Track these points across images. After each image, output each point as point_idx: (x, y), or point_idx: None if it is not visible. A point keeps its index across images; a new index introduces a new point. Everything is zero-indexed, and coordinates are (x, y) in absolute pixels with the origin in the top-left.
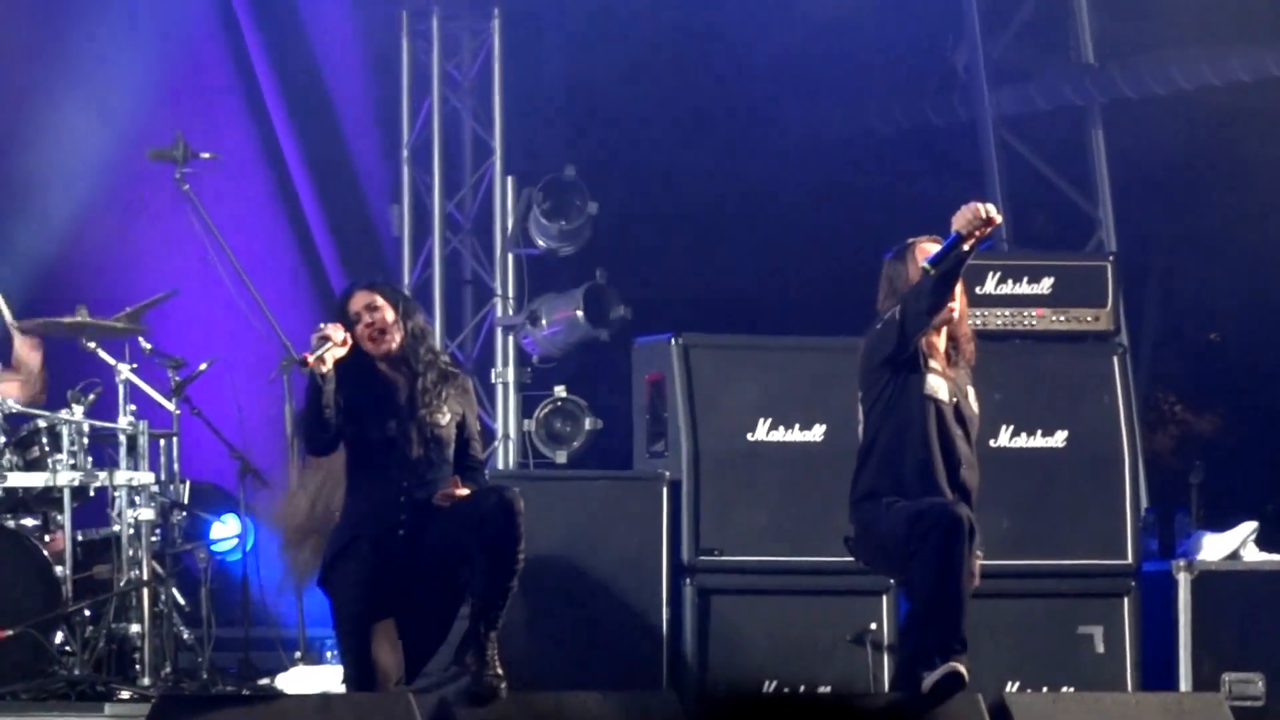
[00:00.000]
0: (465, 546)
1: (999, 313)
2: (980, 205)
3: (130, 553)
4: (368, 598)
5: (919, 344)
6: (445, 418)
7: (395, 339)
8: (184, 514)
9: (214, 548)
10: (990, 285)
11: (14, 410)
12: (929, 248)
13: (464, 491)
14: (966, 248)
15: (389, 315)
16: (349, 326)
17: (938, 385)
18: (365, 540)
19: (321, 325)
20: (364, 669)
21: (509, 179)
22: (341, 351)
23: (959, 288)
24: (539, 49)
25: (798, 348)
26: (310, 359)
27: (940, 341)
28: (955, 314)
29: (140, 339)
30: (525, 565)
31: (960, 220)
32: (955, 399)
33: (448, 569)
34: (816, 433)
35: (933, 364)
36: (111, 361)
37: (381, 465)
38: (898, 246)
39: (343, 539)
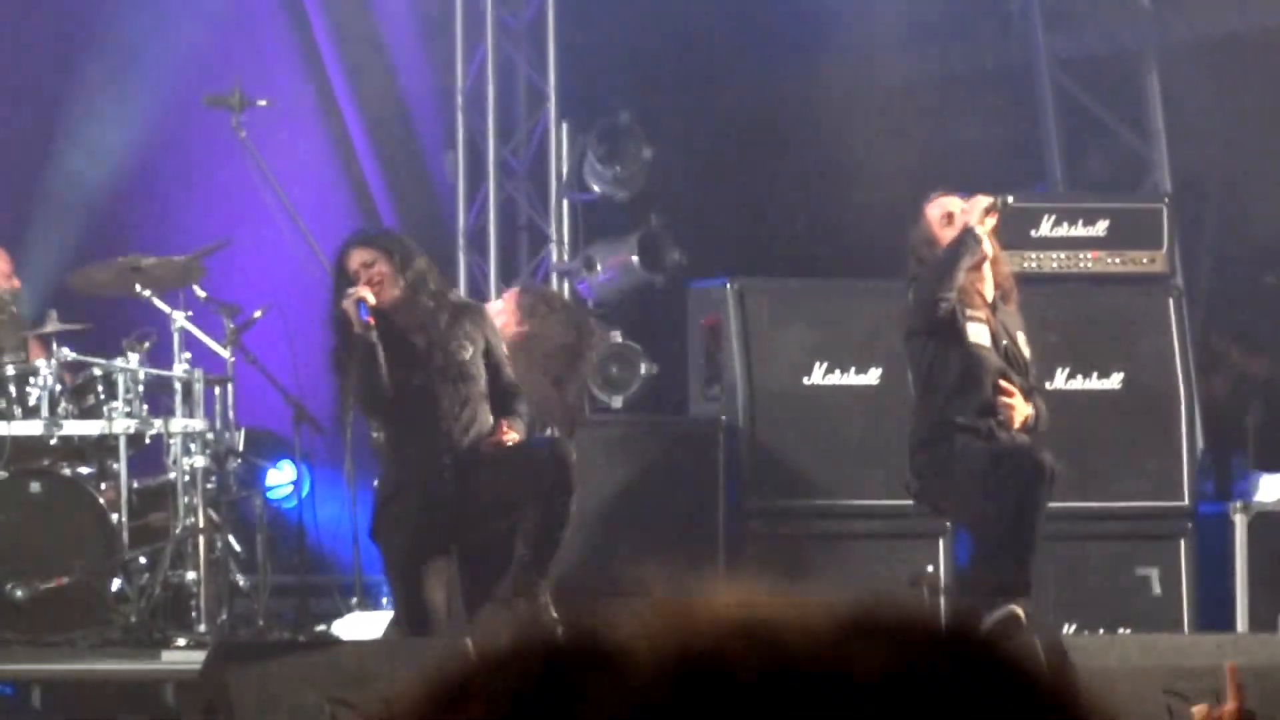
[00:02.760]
0: (517, 494)
1: (1054, 255)
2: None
3: (186, 500)
4: (417, 542)
5: (953, 299)
6: (469, 352)
7: (394, 290)
8: (239, 461)
9: (270, 494)
10: (1045, 228)
11: (70, 359)
12: (944, 201)
13: (514, 436)
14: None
15: (384, 267)
16: (350, 284)
17: (979, 333)
18: (411, 488)
19: (349, 291)
20: (415, 612)
21: (564, 125)
22: (374, 301)
23: (991, 227)
24: None
25: (852, 291)
26: (372, 321)
27: (982, 285)
28: (988, 257)
29: (195, 287)
30: (581, 510)
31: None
32: (1004, 341)
33: (499, 514)
34: (872, 376)
35: (971, 312)
36: (166, 309)
37: (416, 413)
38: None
39: (388, 489)
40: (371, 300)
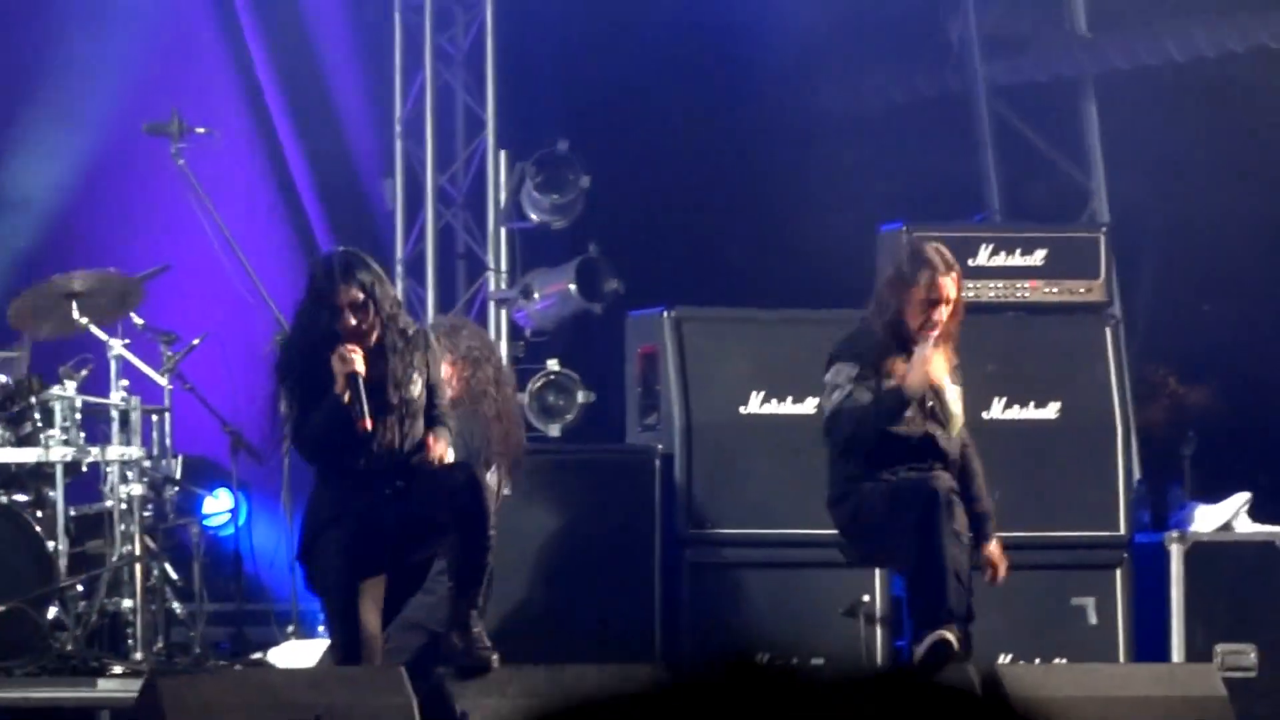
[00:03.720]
0: (439, 518)
1: (992, 284)
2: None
3: (123, 528)
4: (355, 568)
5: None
6: (417, 387)
7: (374, 336)
8: (176, 489)
9: (206, 522)
10: (983, 257)
11: (6, 384)
12: (938, 281)
13: (442, 446)
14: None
15: (371, 314)
16: (335, 315)
17: (922, 349)
18: (349, 515)
19: (344, 353)
20: (351, 634)
21: (502, 153)
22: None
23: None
24: (532, 23)
25: (790, 321)
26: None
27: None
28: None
29: (132, 314)
30: (517, 538)
31: (914, 374)
32: (929, 402)
33: (426, 538)
34: (809, 405)
35: (889, 381)
36: (104, 337)
37: (359, 445)
38: (907, 247)
39: (324, 514)
40: (361, 372)
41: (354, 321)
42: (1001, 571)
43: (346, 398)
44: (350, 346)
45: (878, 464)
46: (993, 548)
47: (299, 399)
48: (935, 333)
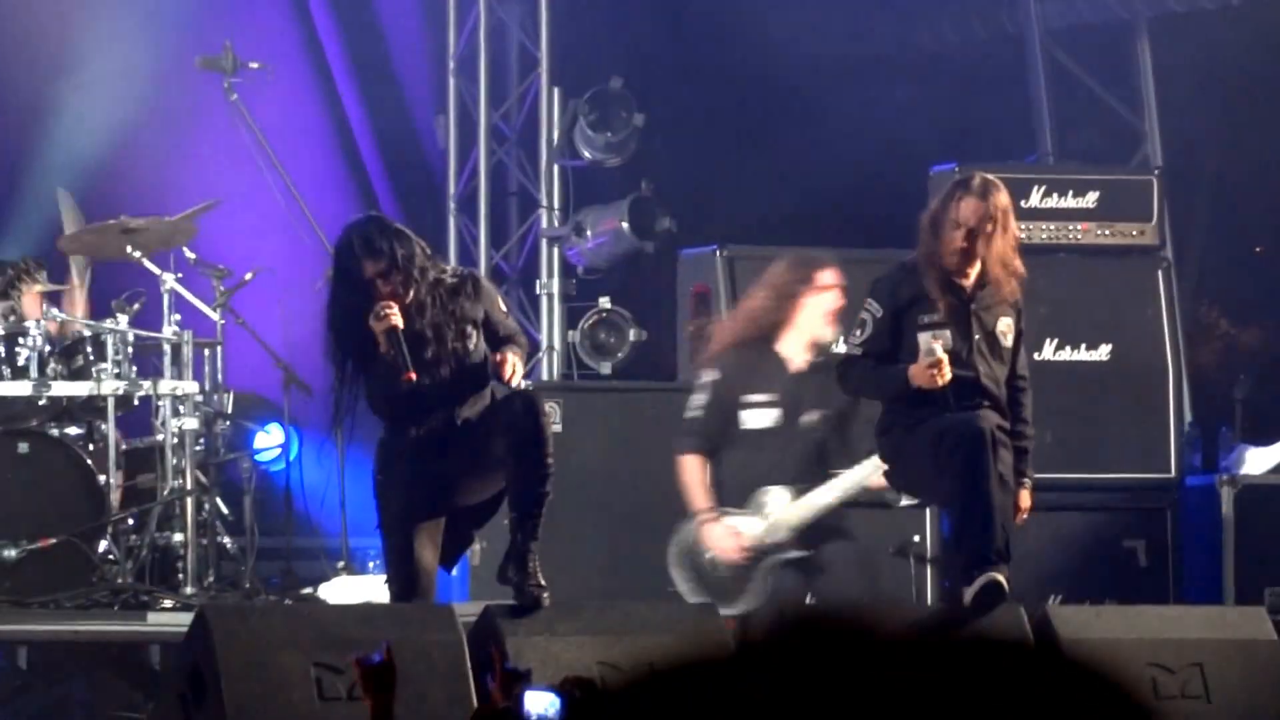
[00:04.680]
0: (498, 452)
1: (1044, 226)
2: (937, 374)
3: (174, 462)
4: (412, 505)
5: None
6: (473, 340)
7: (411, 299)
8: (228, 423)
9: (257, 457)
10: (1035, 199)
11: (59, 319)
12: (973, 204)
13: (515, 362)
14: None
15: (402, 277)
16: (365, 287)
17: (932, 346)
18: (407, 456)
19: (380, 309)
20: (407, 572)
21: (555, 90)
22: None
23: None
24: None
25: (842, 260)
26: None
27: (950, 284)
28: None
29: (184, 249)
30: (569, 475)
31: (919, 378)
32: (975, 335)
33: (486, 473)
34: None
35: (926, 319)
36: (156, 271)
37: (422, 400)
38: (950, 183)
39: (386, 455)
40: (400, 325)
41: (387, 289)
42: (1022, 516)
43: (390, 354)
44: (385, 303)
45: (923, 400)
46: (1023, 490)
47: (353, 372)
48: (943, 342)
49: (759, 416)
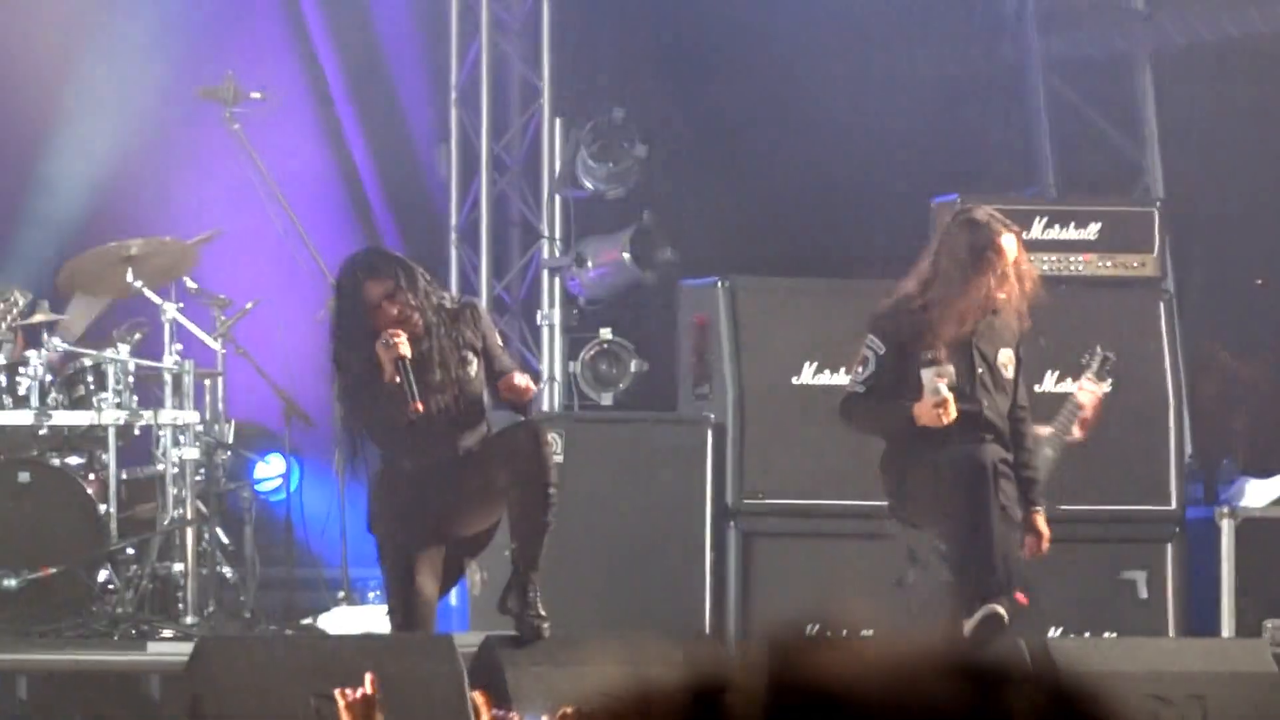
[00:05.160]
0: (501, 481)
1: (1045, 257)
2: (942, 413)
3: (174, 492)
4: (411, 535)
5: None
6: (473, 366)
7: (419, 323)
8: (228, 453)
9: (258, 487)
10: (1037, 230)
11: (61, 349)
12: (1007, 244)
13: (524, 380)
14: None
15: (407, 301)
16: (366, 312)
17: (937, 384)
18: (407, 486)
19: (388, 343)
20: (408, 603)
21: (557, 121)
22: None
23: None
24: None
25: (844, 291)
26: (420, 407)
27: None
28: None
29: (186, 278)
30: (569, 506)
31: (924, 416)
32: (979, 369)
33: (488, 502)
34: None
35: (929, 355)
36: (157, 301)
37: (427, 438)
38: (960, 213)
39: (385, 485)
40: (408, 354)
41: (394, 311)
42: (1043, 545)
43: (397, 380)
44: (393, 331)
45: (926, 434)
46: (1037, 518)
47: (357, 404)
48: (947, 379)
49: None
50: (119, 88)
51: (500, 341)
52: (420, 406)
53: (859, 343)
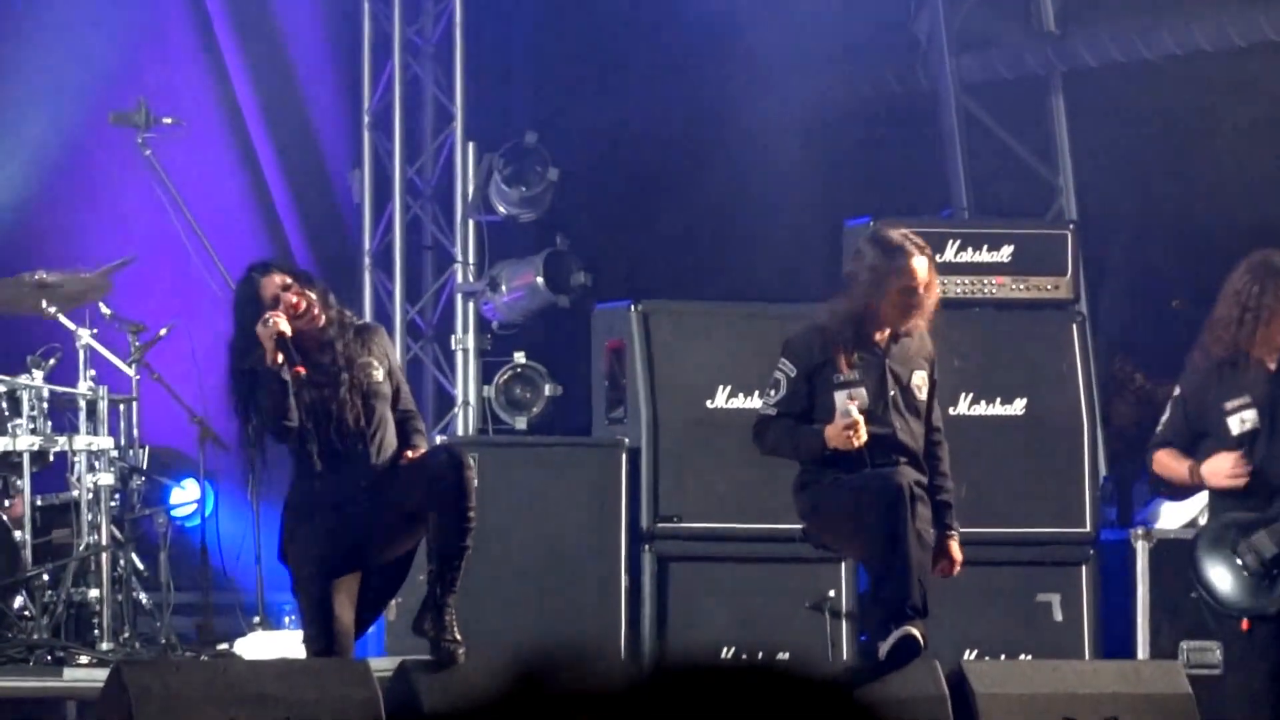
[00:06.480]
0: (419, 504)
1: (959, 280)
2: (853, 435)
3: (89, 517)
4: (327, 562)
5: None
6: (379, 372)
7: (323, 315)
8: (143, 479)
9: (173, 513)
10: (950, 253)
11: None
12: (917, 266)
13: (420, 451)
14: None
15: (305, 296)
16: (265, 309)
17: (848, 406)
18: (323, 508)
19: (268, 322)
20: (324, 630)
21: (470, 145)
22: (289, 331)
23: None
24: (501, 15)
25: (757, 315)
26: (302, 370)
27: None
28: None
29: (100, 304)
30: (484, 530)
31: (835, 439)
32: (891, 391)
33: (406, 528)
34: None
35: (840, 378)
36: (71, 326)
37: (329, 435)
38: (871, 233)
39: (299, 510)
40: (288, 331)
41: (292, 299)
42: (955, 569)
43: (280, 359)
44: (271, 312)
45: (840, 458)
46: (951, 542)
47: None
48: (859, 402)
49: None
50: (30, 112)
51: (403, 373)
52: (302, 370)
53: (773, 366)
